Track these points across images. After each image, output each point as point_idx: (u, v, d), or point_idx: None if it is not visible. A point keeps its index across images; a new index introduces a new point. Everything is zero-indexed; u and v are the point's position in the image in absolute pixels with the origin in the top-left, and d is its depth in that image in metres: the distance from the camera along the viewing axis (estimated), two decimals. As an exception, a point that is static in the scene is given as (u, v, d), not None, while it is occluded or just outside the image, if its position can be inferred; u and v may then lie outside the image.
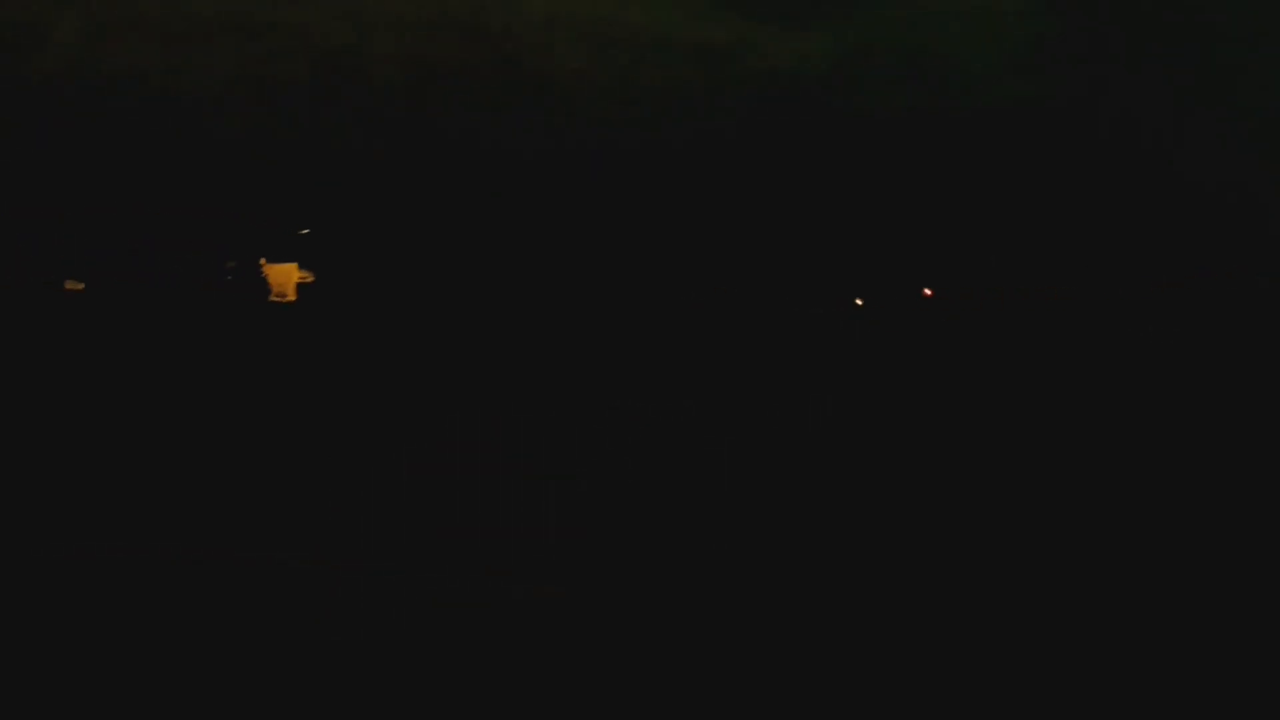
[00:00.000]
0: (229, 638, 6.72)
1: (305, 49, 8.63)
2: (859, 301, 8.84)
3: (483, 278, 9.18)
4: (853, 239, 9.15)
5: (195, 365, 8.75)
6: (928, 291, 8.83)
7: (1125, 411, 8.38)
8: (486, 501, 7.83)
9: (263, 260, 8.93)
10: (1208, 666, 6.46)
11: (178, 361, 8.79)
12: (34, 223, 8.88)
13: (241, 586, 7.18)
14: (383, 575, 7.26)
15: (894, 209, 9.16)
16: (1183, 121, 9.21)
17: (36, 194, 8.92)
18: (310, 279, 9.02)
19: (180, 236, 8.96)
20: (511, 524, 7.67)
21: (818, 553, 7.52)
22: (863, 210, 9.15)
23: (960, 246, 9.18)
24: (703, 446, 8.25)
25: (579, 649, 6.67)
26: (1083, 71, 8.97)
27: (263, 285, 8.96)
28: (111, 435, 8.33)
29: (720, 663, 6.54)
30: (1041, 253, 9.11)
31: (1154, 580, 7.14)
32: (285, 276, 8.97)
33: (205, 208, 8.96)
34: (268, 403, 8.55)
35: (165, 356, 8.82)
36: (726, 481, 8.03)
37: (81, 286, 8.80)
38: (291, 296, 8.98)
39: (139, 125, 8.86)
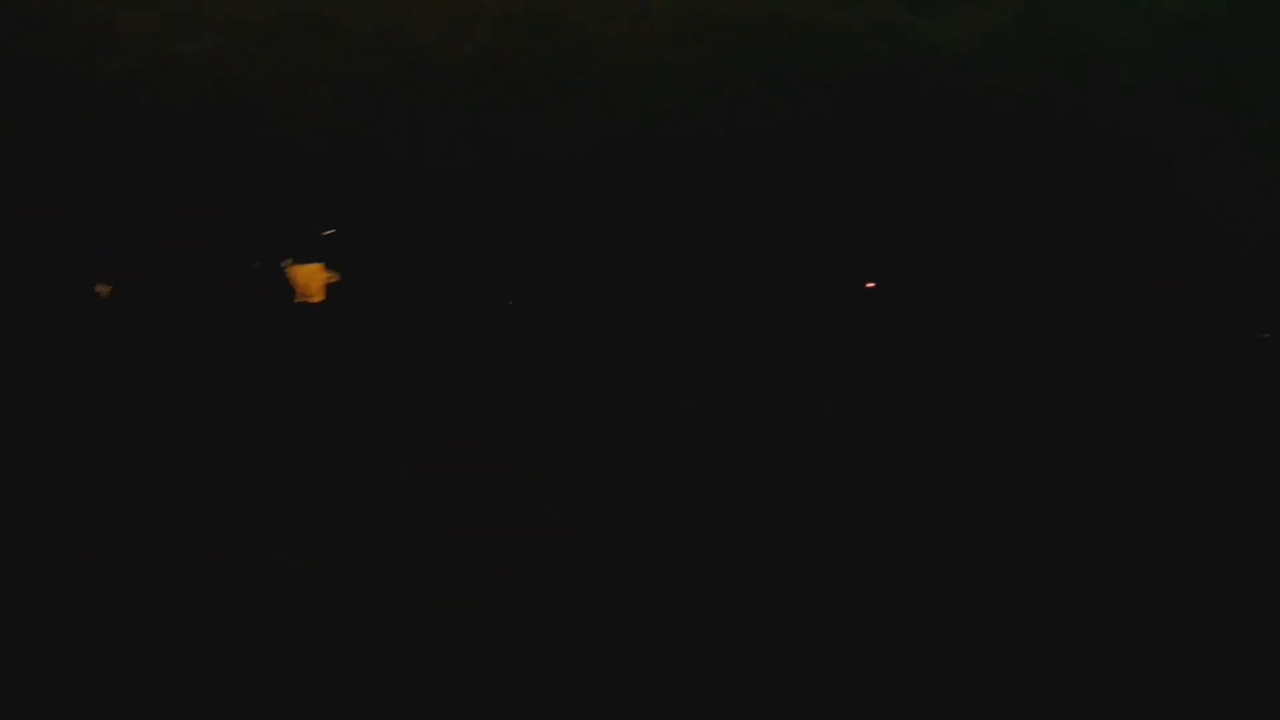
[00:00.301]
0: (229, 638, 6.72)
1: (380, 46, 8.56)
2: (870, 285, 8.78)
3: (495, 278, 9.17)
4: (869, 234, 9.10)
5: (198, 365, 8.75)
6: (870, 285, 8.79)
7: (1125, 411, 8.38)
8: (486, 501, 7.83)
9: (287, 261, 8.91)
10: (1208, 667, 6.46)
11: (182, 362, 8.79)
12: (63, 223, 8.87)
13: (241, 586, 7.18)
14: (383, 575, 7.26)
15: (923, 203, 9.11)
16: (1184, 121, 9.19)
17: (89, 193, 8.91)
18: (336, 279, 9.00)
19: (211, 237, 8.94)
20: (511, 524, 7.68)
21: (818, 553, 7.52)
22: (904, 204, 9.07)
23: (959, 245, 9.18)
24: (703, 446, 8.25)
25: (580, 649, 6.67)
26: (1228, 53, 8.77)
27: (288, 286, 8.95)
28: (116, 435, 8.34)
29: (721, 662, 6.54)
30: (1041, 253, 9.10)
31: (1154, 580, 7.14)
32: (311, 277, 8.96)
33: (241, 208, 8.94)
34: (268, 403, 8.55)
35: (170, 357, 8.83)
36: (726, 481, 8.03)
37: (109, 290, 8.80)
38: (318, 297, 8.96)
39: (205, 125, 8.83)
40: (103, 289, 8.61)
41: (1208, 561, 7.28)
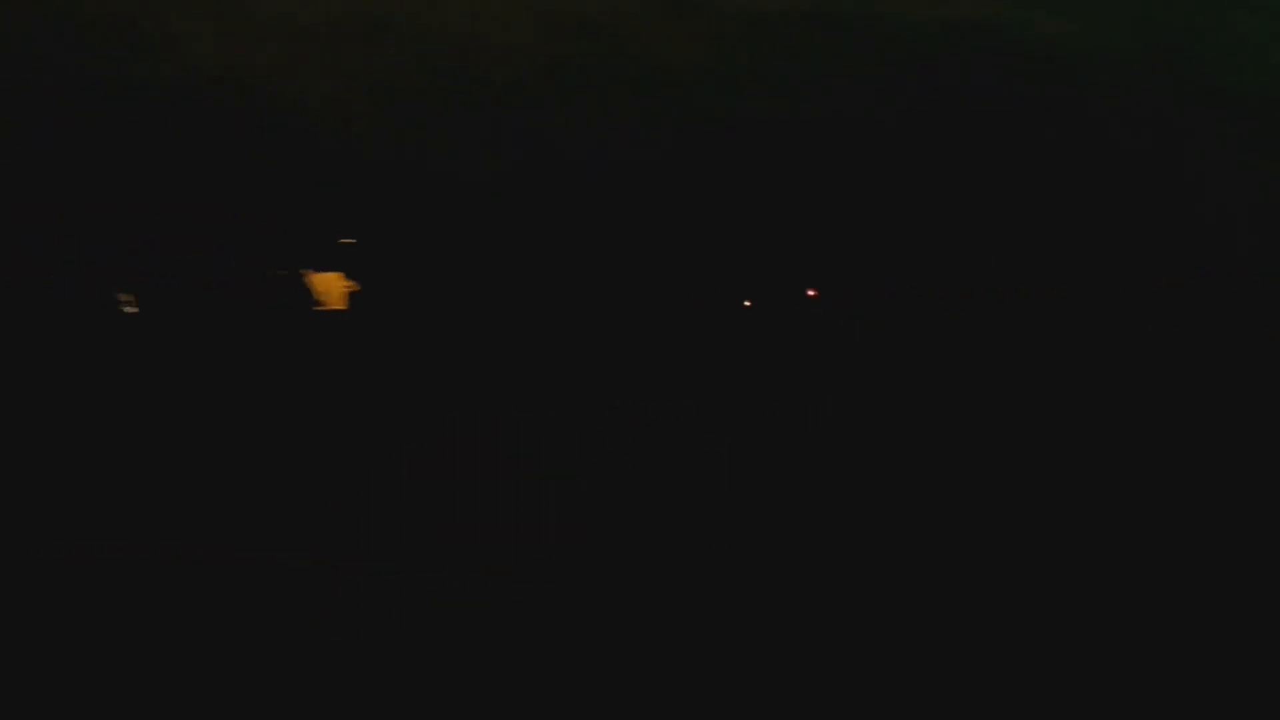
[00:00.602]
0: (229, 638, 6.72)
1: (429, 49, 8.44)
2: (811, 293, 8.75)
3: (500, 278, 9.15)
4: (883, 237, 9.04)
5: (198, 368, 8.75)
6: (811, 293, 8.75)
7: (1125, 411, 8.38)
8: (486, 501, 7.83)
9: (308, 270, 8.91)
10: (1208, 667, 6.46)
11: (183, 363, 8.79)
12: (90, 229, 8.84)
13: (241, 586, 7.19)
14: (383, 575, 7.26)
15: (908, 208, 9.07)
16: (1184, 120, 9.19)
17: (118, 198, 8.85)
18: (356, 288, 9.00)
19: (242, 243, 8.91)
20: (511, 524, 7.68)
21: (818, 553, 7.52)
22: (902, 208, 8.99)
23: (959, 245, 9.17)
24: (703, 446, 8.25)
25: (580, 649, 6.67)
26: None
27: (308, 294, 8.96)
28: (124, 436, 8.34)
29: (720, 663, 6.54)
30: (1041, 253, 9.10)
31: (1154, 580, 7.14)
32: (329, 286, 8.96)
33: (270, 215, 8.89)
34: (269, 404, 8.56)
35: (173, 358, 8.83)
36: (726, 481, 8.03)
37: (133, 299, 8.80)
38: (338, 305, 8.97)
39: (242, 131, 8.76)
40: (126, 299, 8.61)
41: (1208, 559, 7.28)
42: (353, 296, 8.95)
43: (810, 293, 8.70)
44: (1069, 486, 7.91)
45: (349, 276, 8.98)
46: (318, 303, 8.90)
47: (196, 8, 8.39)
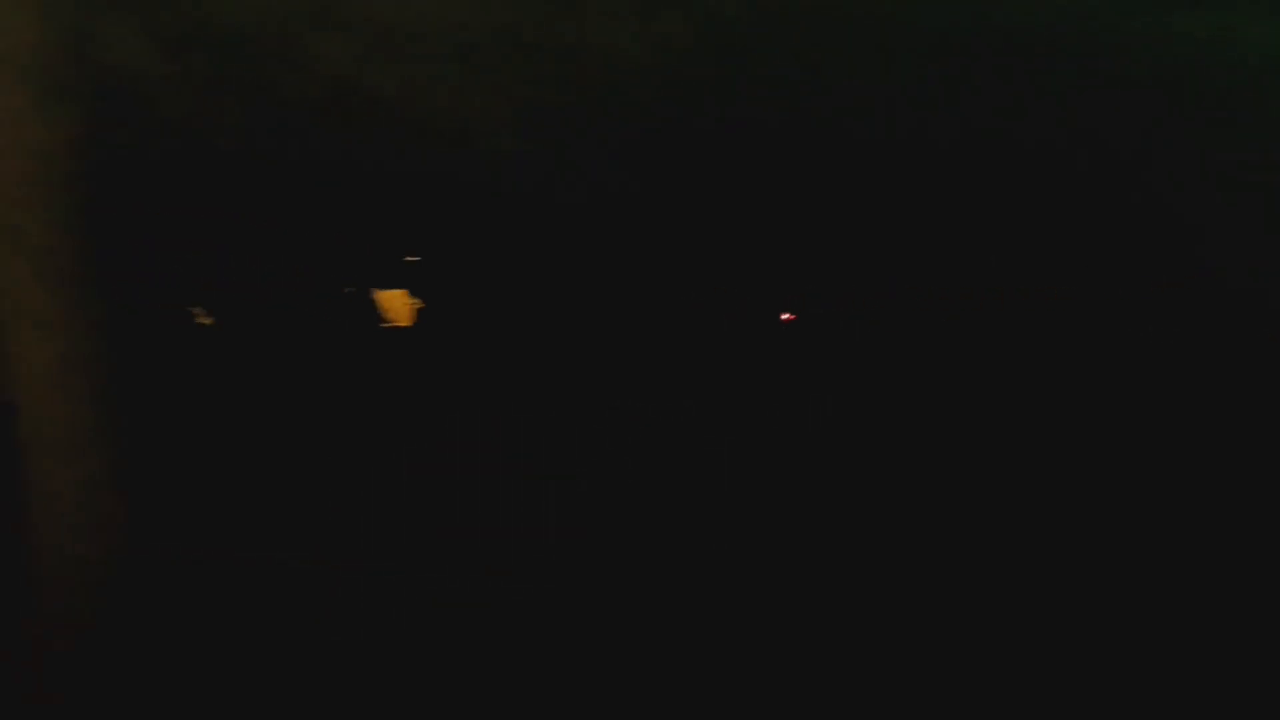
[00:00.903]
0: (229, 638, 6.72)
1: (580, 71, 8.35)
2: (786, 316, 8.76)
3: (499, 278, 9.15)
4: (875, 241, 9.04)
5: (199, 368, 8.75)
6: (787, 316, 8.74)
7: (1125, 412, 8.38)
8: (486, 501, 7.84)
9: (373, 288, 8.91)
10: (1208, 667, 6.46)
11: (183, 364, 8.79)
12: (173, 246, 8.82)
13: (241, 586, 7.19)
14: (383, 575, 7.26)
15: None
16: (1185, 125, 9.19)
17: (204, 214, 8.82)
18: (421, 305, 9.01)
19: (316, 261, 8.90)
20: (511, 524, 7.68)
21: (818, 553, 7.52)
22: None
23: (959, 245, 9.18)
24: (703, 446, 8.25)
25: (579, 649, 6.67)
26: None
27: (375, 311, 8.97)
28: (131, 437, 8.34)
29: (720, 663, 6.54)
30: (1041, 253, 9.10)
31: (1154, 581, 7.15)
32: (395, 302, 8.96)
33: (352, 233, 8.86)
34: (270, 405, 8.56)
35: (182, 359, 8.83)
36: (727, 481, 8.04)
37: (207, 312, 8.82)
38: (404, 322, 8.98)
39: (390, 153, 8.70)
40: (199, 312, 8.62)
41: (1207, 560, 7.28)
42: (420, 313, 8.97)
43: (785, 316, 8.70)
44: (1068, 487, 7.91)
45: (415, 293, 8.98)
46: (384, 319, 8.91)
47: (325, 23, 8.28)
